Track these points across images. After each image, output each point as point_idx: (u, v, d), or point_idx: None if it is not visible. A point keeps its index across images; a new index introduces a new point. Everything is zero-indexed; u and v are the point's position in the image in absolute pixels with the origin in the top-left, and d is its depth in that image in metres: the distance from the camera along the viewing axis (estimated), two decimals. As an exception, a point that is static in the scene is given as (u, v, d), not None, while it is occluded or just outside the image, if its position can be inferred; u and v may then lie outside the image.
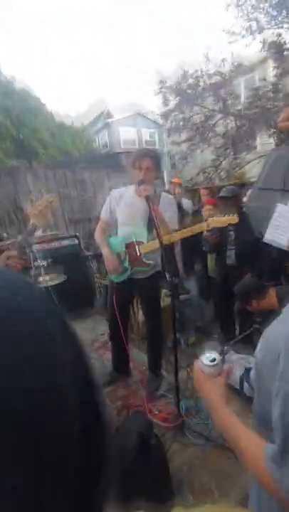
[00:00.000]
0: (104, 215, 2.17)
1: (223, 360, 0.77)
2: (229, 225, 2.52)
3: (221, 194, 2.75)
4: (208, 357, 0.76)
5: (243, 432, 0.63)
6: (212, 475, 1.55)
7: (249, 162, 8.35)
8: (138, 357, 2.66)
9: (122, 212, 2.10)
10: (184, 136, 9.28)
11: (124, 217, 2.10)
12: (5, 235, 3.33)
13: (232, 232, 2.68)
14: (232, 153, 8.61)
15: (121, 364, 2.33)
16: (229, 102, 8.64)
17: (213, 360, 0.75)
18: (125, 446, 1.38)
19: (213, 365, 0.75)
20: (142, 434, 1.38)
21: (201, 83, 8.60)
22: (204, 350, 0.79)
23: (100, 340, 2.98)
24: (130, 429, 1.44)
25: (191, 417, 1.93)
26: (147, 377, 2.28)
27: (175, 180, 4.04)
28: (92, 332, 3.17)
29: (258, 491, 0.68)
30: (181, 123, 9.08)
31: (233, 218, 1.98)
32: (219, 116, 8.73)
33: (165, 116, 9.84)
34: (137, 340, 2.99)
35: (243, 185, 5.24)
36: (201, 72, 8.48)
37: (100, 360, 2.63)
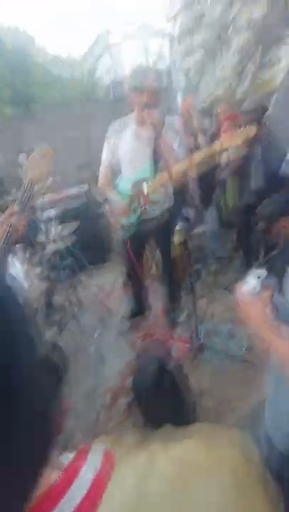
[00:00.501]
0: (105, 156, 2.00)
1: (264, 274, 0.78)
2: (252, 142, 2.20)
3: (243, 108, 2.37)
4: (255, 274, 0.77)
5: None
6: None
7: (280, 59, 6.96)
8: (158, 291, 2.76)
9: (125, 147, 1.92)
10: (197, 39, 7.85)
11: (126, 154, 1.93)
12: (14, 190, 3.34)
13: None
14: (260, 47, 7.13)
15: (141, 301, 2.44)
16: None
17: (258, 277, 0.76)
18: (146, 370, 1.51)
19: (257, 283, 0.75)
20: (160, 360, 1.49)
21: None
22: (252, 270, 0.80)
23: (119, 281, 3.09)
24: (149, 355, 1.57)
25: (210, 339, 2.04)
26: (167, 308, 2.38)
27: (186, 100, 3.50)
28: (111, 274, 3.26)
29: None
30: (192, 23, 7.59)
31: (251, 129, 1.66)
32: (241, 3, 7.07)
33: (174, 18, 8.26)
34: (156, 275, 3.06)
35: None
36: None
37: (122, 299, 2.77)
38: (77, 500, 0.24)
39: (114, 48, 13.93)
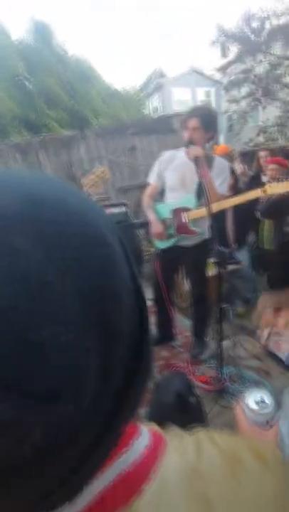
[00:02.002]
0: (152, 179, 2.11)
1: (275, 404, 0.57)
2: None
3: None
4: (254, 397, 0.57)
5: None
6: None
7: None
8: (184, 323, 2.71)
9: (171, 177, 2.02)
10: (244, 91, 8.32)
11: (172, 182, 2.02)
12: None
13: None
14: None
15: (165, 328, 2.40)
16: (302, 44, 7.35)
17: (262, 401, 0.56)
18: (163, 402, 1.45)
19: (261, 413, 0.55)
20: (180, 392, 1.43)
21: (267, 26, 7.42)
22: (252, 389, 0.60)
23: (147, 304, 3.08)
24: (169, 387, 1.51)
25: (233, 384, 1.94)
26: (191, 343, 2.32)
27: (220, 148, 3.65)
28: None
29: None
30: (241, 76, 8.10)
31: None
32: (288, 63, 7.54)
33: (223, 69, 8.88)
34: (183, 307, 3.02)
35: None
36: (267, 12, 7.28)
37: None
38: (138, 454, 0.26)
39: (165, 88, 15.01)
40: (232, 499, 0.25)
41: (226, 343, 2.26)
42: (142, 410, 1.77)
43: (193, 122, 1.81)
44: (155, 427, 0.32)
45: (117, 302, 0.22)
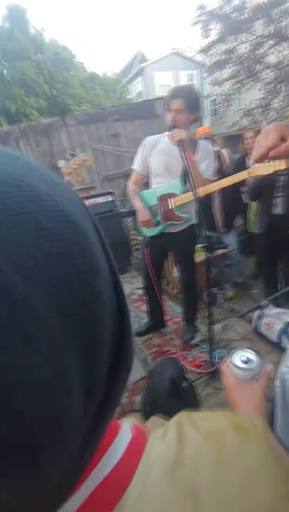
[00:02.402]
0: (136, 165, 2.06)
1: (260, 362, 0.59)
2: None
3: None
4: (240, 356, 0.59)
5: None
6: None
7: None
8: (174, 309, 2.72)
9: (156, 162, 1.97)
10: (226, 73, 8.17)
11: (157, 167, 1.98)
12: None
13: (282, 177, 2.39)
14: (284, 88, 7.43)
15: (156, 316, 2.41)
16: (283, 23, 7.21)
17: (248, 360, 0.58)
18: (157, 388, 1.47)
19: (249, 369, 0.57)
20: (173, 378, 1.45)
21: (249, 4, 7.24)
22: (235, 349, 0.62)
23: (136, 293, 3.08)
24: (163, 373, 1.52)
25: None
26: (182, 328, 2.34)
27: (201, 129, 3.60)
28: (129, 286, 3.28)
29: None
30: (223, 57, 7.93)
31: (280, 164, 1.71)
32: (271, 43, 7.41)
33: (205, 51, 8.68)
34: (172, 293, 3.04)
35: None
36: (249, -12, 7.10)
37: (137, 312, 2.75)
38: (118, 456, 0.24)
39: (147, 72, 14.62)
40: (219, 483, 0.23)
41: (216, 327, 2.29)
42: (138, 397, 1.80)
43: (177, 103, 1.75)
44: (136, 421, 0.31)
45: (99, 308, 0.19)
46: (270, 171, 1.73)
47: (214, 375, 1.85)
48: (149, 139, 1.99)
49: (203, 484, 0.23)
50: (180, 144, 1.68)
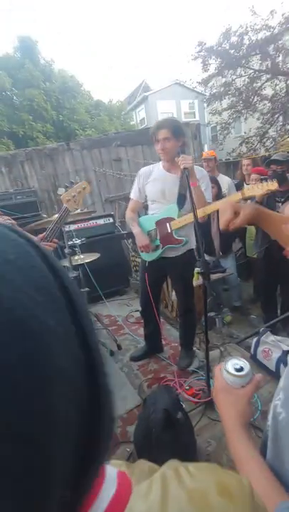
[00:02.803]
0: (133, 194, 2.14)
1: (251, 372, 0.62)
2: (277, 193, 2.32)
3: (273, 158, 2.51)
4: (234, 364, 0.63)
5: (253, 474, 0.50)
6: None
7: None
8: (171, 333, 2.69)
9: (151, 189, 2.04)
10: (225, 103, 8.57)
11: (153, 194, 2.05)
12: (44, 216, 3.51)
13: (280, 204, 2.45)
14: (281, 118, 7.76)
15: (153, 340, 2.38)
16: (279, 59, 7.67)
17: (240, 369, 0.61)
18: (151, 419, 1.42)
19: (239, 376, 0.60)
20: (168, 409, 1.41)
21: (246, 41, 7.72)
22: (231, 356, 0.66)
23: (134, 316, 3.06)
24: (157, 403, 1.48)
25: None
26: (179, 354, 2.30)
27: (208, 153, 3.73)
28: (127, 308, 3.26)
29: None
30: (222, 89, 8.35)
31: (273, 184, 1.75)
32: (266, 77, 7.84)
33: (205, 83, 9.15)
34: (171, 317, 3.01)
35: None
36: (246, 27, 7.59)
37: (133, 335, 2.72)
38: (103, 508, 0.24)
39: (150, 100, 15.34)
40: None
41: (214, 353, 2.26)
42: (132, 427, 1.74)
43: (163, 133, 1.85)
44: (123, 467, 0.30)
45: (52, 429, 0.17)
46: (263, 191, 1.77)
47: (211, 404, 1.80)
48: (144, 170, 2.09)
49: None
50: (185, 171, 1.74)
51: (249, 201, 1.92)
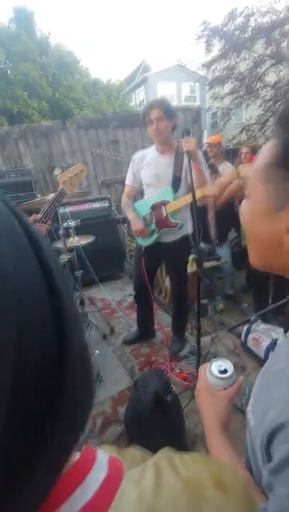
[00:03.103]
0: (128, 180, 2.11)
1: (234, 375, 0.63)
2: None
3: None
4: (219, 366, 0.64)
5: None
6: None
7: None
8: (163, 318, 2.71)
9: (146, 174, 2.01)
10: (227, 88, 8.34)
11: (148, 179, 2.01)
12: (39, 196, 3.42)
13: None
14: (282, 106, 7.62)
15: (146, 325, 2.40)
16: (284, 45, 7.44)
17: (224, 371, 0.63)
18: (141, 400, 1.45)
19: (222, 378, 0.61)
20: (158, 391, 1.43)
21: (252, 23, 7.45)
22: (217, 358, 0.68)
23: (127, 300, 3.07)
24: (147, 385, 1.50)
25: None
26: (171, 339, 2.33)
27: (213, 138, 3.64)
28: (120, 292, 3.27)
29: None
30: (224, 72, 8.10)
31: None
32: (270, 62, 7.61)
33: (208, 65, 8.87)
34: (164, 302, 3.03)
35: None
36: (252, 9, 7.30)
37: (127, 319, 2.73)
38: (90, 494, 0.23)
39: (150, 82, 14.85)
40: None
41: (205, 339, 2.29)
42: (122, 407, 1.77)
43: (156, 112, 1.79)
44: (114, 453, 0.29)
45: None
46: None
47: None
48: (138, 155, 2.04)
49: None
50: (188, 154, 1.69)
51: None
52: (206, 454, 0.55)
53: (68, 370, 0.19)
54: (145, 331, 2.41)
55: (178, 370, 2.03)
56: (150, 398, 1.45)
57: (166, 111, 1.81)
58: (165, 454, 0.29)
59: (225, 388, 0.62)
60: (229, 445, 0.55)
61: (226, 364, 0.64)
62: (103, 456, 0.27)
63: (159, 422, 1.41)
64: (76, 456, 0.25)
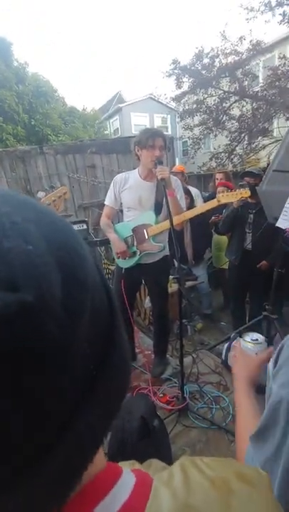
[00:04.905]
0: (108, 201, 2.12)
1: (265, 343, 0.78)
2: (250, 205, 2.45)
3: (247, 170, 2.65)
4: (251, 336, 0.79)
5: (247, 414, 0.58)
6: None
7: (264, 147, 8.03)
8: (145, 341, 2.68)
9: (128, 196, 2.05)
10: (197, 120, 8.97)
11: (129, 202, 2.05)
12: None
13: (251, 215, 2.58)
14: (246, 137, 8.27)
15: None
16: (246, 83, 8.23)
17: (256, 340, 0.77)
18: (126, 428, 1.40)
19: (254, 343, 0.76)
20: (144, 417, 1.39)
21: (217, 63, 8.21)
22: (250, 331, 0.83)
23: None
24: (132, 412, 1.45)
25: (195, 401, 1.94)
26: (153, 361, 2.29)
27: (177, 167, 3.88)
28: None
29: None
30: (194, 106, 8.74)
31: (245, 192, 1.89)
32: (234, 98, 8.36)
33: (178, 99, 9.54)
34: (144, 325, 3.01)
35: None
36: (217, 51, 8.08)
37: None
38: (126, 495, 0.24)
39: (124, 112, 15.59)
40: None
41: (186, 360, 2.28)
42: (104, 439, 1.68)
43: (161, 141, 1.88)
44: (136, 465, 0.31)
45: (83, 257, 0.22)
46: (237, 198, 1.91)
47: (184, 411, 1.81)
48: (120, 177, 2.08)
49: None
50: (162, 182, 1.78)
51: None
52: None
53: (116, 334, 0.25)
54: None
55: (161, 395, 1.99)
56: (136, 425, 1.39)
57: (165, 143, 1.92)
58: (187, 458, 0.31)
59: (256, 354, 0.73)
60: (255, 399, 0.62)
61: (257, 335, 0.78)
62: (127, 466, 0.28)
63: (145, 449, 1.35)
64: (103, 462, 0.26)
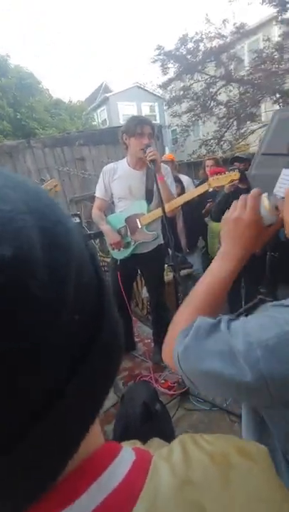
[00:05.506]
0: (99, 192, 2.11)
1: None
2: (242, 190, 2.46)
3: (236, 155, 2.64)
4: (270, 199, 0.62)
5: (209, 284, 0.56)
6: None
7: (253, 132, 7.98)
8: (143, 330, 2.71)
9: (118, 187, 2.04)
10: (184, 106, 8.84)
11: (120, 192, 2.04)
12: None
13: None
14: (235, 123, 8.20)
15: (126, 338, 2.37)
16: (231, 67, 8.11)
17: (276, 208, 0.60)
18: (129, 414, 1.42)
19: (276, 213, 0.59)
20: (146, 402, 1.42)
21: (202, 47, 8.06)
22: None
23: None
24: (135, 398, 1.48)
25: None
26: (152, 350, 2.32)
27: (167, 156, 3.84)
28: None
29: None
30: (181, 92, 8.61)
31: (235, 174, 1.89)
32: (221, 83, 8.24)
33: (164, 86, 9.38)
34: (142, 314, 3.03)
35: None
36: (202, 35, 7.92)
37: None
38: (126, 468, 0.24)
39: (111, 101, 15.29)
40: (226, 504, 0.24)
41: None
42: (110, 426, 1.72)
43: (149, 128, 1.88)
44: (137, 444, 0.31)
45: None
46: (228, 181, 1.90)
47: (186, 395, 1.85)
48: (108, 167, 2.07)
49: (210, 504, 0.23)
50: (152, 163, 1.77)
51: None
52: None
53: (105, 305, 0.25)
54: (126, 345, 2.38)
55: (162, 381, 2.03)
56: (138, 410, 1.43)
57: (153, 131, 1.91)
58: (187, 435, 0.31)
59: (270, 226, 0.61)
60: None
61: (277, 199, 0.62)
62: (127, 445, 0.28)
63: (149, 433, 1.39)
64: (101, 440, 0.27)
